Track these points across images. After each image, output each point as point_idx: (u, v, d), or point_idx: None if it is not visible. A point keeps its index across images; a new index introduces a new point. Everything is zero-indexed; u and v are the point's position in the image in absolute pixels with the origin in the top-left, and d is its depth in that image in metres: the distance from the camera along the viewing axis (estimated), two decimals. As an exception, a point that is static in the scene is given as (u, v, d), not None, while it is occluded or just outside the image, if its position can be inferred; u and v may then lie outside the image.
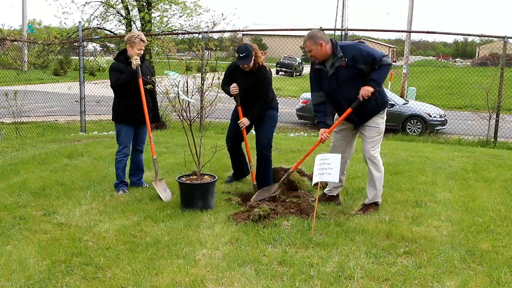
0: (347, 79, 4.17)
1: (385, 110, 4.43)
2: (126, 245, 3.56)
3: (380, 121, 4.37)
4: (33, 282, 2.99)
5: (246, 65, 4.76)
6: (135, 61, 4.81)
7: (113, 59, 5.17)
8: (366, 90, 4.11)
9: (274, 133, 5.18)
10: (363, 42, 4.49)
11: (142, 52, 4.94)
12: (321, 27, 11.61)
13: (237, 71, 4.94)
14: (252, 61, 4.78)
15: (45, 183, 5.26)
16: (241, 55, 4.72)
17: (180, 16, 13.01)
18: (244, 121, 4.94)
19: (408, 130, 12.77)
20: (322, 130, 4.36)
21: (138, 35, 4.92)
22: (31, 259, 3.31)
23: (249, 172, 5.18)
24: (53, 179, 5.43)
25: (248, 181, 5.33)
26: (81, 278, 3.06)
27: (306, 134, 11.11)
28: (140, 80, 4.84)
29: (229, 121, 5.33)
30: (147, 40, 5.72)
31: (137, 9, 13.04)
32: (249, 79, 4.87)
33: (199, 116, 4.98)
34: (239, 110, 4.99)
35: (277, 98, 5.23)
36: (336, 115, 4.48)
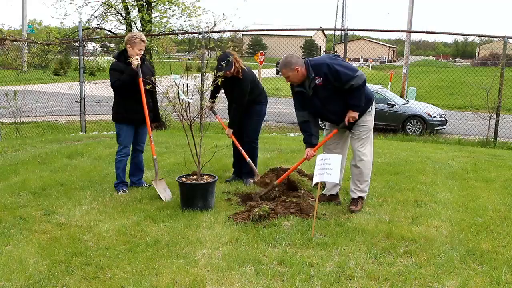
0: (329, 96, 4.24)
1: (372, 106, 4.47)
2: (126, 245, 3.56)
3: (368, 119, 4.44)
4: (33, 282, 2.99)
5: (228, 72, 4.98)
6: (136, 61, 4.81)
7: (113, 57, 5.17)
8: (352, 117, 4.27)
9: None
10: (337, 55, 4.55)
11: (142, 52, 4.94)
12: (321, 27, 11.62)
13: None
14: (233, 67, 5.04)
15: (45, 183, 5.27)
16: (222, 63, 4.97)
17: (180, 17, 13.05)
18: (227, 132, 5.37)
19: (408, 130, 12.78)
20: (308, 149, 4.45)
21: (139, 35, 4.92)
22: (31, 259, 3.31)
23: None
24: (53, 179, 5.43)
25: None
26: (81, 278, 3.06)
27: (306, 134, 11.10)
28: (141, 80, 4.84)
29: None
30: (147, 40, 5.73)
31: (137, 9, 13.05)
32: (231, 84, 5.16)
33: (199, 116, 4.99)
34: (221, 122, 5.64)
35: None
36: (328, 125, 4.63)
